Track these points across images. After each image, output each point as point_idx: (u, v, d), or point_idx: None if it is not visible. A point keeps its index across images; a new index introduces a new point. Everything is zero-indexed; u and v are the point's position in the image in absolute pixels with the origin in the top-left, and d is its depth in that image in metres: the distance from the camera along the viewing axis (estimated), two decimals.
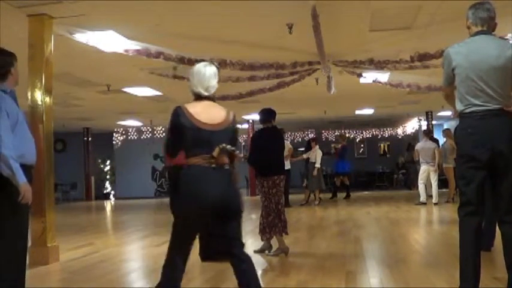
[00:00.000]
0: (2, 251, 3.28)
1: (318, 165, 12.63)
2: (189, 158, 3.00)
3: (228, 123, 3.08)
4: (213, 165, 2.96)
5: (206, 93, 3.09)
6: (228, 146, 2.99)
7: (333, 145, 19.66)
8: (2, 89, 3.42)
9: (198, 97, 3.10)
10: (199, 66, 3.14)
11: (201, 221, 3.03)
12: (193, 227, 3.07)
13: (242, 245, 3.13)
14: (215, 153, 2.96)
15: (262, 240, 5.97)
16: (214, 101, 3.14)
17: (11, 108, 3.37)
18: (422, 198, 11.80)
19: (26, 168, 3.39)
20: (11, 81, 3.51)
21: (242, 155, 6.83)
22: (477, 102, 3.26)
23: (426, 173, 11.79)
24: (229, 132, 3.09)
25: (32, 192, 3.37)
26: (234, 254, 3.06)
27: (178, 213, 3.05)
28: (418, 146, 12.16)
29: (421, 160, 11.86)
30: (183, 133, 2.99)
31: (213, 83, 3.11)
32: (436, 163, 11.58)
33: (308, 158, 12.97)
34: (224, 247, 3.08)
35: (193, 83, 3.11)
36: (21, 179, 3.25)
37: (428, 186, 12.00)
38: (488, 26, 3.38)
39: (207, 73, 3.10)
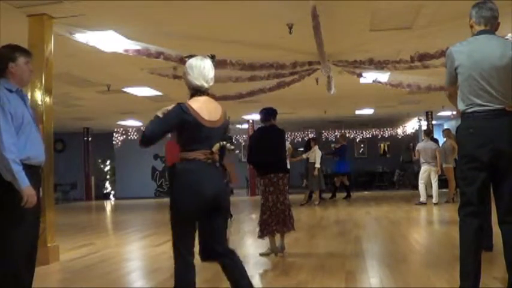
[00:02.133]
0: (11, 255, 3.20)
1: (317, 165, 12.62)
2: (187, 152, 3.00)
3: (223, 120, 3.13)
4: (209, 161, 3.00)
5: (206, 85, 3.10)
6: (228, 145, 3.04)
7: (332, 145, 19.65)
8: (7, 87, 3.22)
9: (196, 92, 3.08)
10: (196, 60, 3.12)
11: (198, 215, 3.04)
12: (190, 221, 3.05)
13: (225, 242, 3.16)
14: (214, 148, 3.01)
15: (258, 238, 5.94)
16: (209, 95, 3.15)
17: (16, 109, 3.19)
18: (423, 198, 11.79)
19: (34, 169, 3.28)
20: (13, 79, 3.28)
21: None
22: (479, 102, 3.25)
23: (427, 173, 11.77)
24: (224, 129, 3.14)
25: (37, 192, 3.24)
26: (218, 252, 3.06)
27: (178, 207, 3.00)
28: (419, 146, 12.14)
29: (422, 160, 11.84)
30: (184, 129, 2.98)
31: (212, 74, 3.14)
32: (437, 163, 11.58)
33: (308, 158, 12.98)
34: (209, 244, 3.06)
35: (193, 76, 3.08)
36: (23, 184, 3.09)
37: (428, 186, 12.00)
38: (491, 26, 3.36)
39: (206, 65, 3.10)
